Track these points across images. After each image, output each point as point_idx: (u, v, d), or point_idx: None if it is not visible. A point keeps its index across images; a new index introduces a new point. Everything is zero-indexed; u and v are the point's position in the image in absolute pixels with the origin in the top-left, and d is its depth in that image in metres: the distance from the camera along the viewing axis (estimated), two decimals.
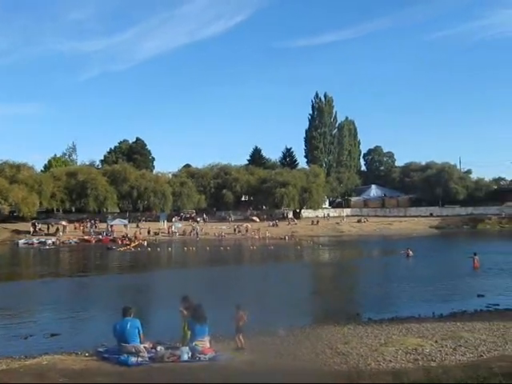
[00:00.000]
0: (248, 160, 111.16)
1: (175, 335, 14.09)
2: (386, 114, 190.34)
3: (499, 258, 41.80)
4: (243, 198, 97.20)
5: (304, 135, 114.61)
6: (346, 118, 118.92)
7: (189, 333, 12.34)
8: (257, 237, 71.00)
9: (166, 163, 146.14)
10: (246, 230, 74.75)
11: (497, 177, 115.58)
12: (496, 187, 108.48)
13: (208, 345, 12.13)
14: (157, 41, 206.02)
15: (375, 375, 8.13)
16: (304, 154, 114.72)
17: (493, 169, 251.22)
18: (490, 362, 10.26)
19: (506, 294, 25.09)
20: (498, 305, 21.99)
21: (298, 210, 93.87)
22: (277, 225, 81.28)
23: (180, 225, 76.88)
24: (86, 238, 66.17)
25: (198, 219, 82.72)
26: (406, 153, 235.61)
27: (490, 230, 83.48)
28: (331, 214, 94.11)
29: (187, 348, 11.79)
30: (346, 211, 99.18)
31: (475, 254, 35.39)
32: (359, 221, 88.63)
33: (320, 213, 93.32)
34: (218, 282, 31.33)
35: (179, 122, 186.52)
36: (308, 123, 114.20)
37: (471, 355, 12.52)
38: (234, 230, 75.21)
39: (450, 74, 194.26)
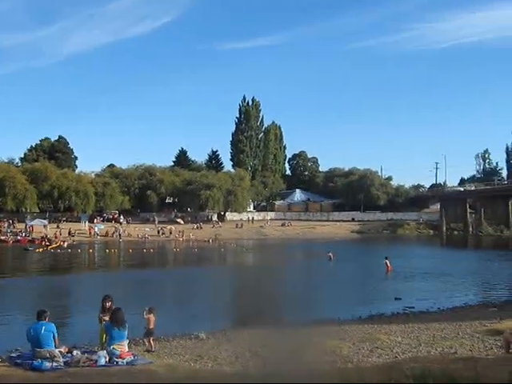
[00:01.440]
0: (173, 161, 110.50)
1: (94, 339, 13.81)
2: (311, 120, 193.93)
3: (417, 262, 43.40)
4: (168, 200, 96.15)
5: (230, 138, 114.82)
6: (273, 122, 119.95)
7: (106, 337, 12.11)
8: (181, 239, 70.49)
9: (89, 163, 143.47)
10: (170, 232, 74.05)
11: (416, 184, 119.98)
12: (415, 194, 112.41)
13: (126, 349, 11.91)
14: (82, 37, 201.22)
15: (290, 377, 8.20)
16: (230, 157, 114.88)
17: (412, 176, 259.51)
18: (403, 363, 10.57)
19: (422, 297, 25.96)
20: (413, 307, 22.73)
21: (222, 213, 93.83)
22: (201, 227, 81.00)
23: (102, 226, 75.28)
24: (2, 238, 63.62)
25: (121, 220, 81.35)
26: (330, 158, 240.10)
27: (409, 235, 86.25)
28: (255, 218, 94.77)
29: (104, 352, 11.53)
30: (270, 215, 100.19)
31: (386, 258, 36.67)
32: (283, 224, 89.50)
33: (244, 216, 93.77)
34: (140, 285, 30.92)
35: (103, 120, 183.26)
36: (235, 126, 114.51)
37: (387, 357, 12.86)
38: (158, 231, 74.27)
39: (371, 83, 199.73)
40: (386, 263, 36.23)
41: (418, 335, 15.80)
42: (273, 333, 16.77)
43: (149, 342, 14.29)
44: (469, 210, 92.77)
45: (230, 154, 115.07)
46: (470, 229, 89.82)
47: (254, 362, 12.46)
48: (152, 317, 14.22)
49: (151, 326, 14.18)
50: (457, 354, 12.28)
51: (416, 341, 14.82)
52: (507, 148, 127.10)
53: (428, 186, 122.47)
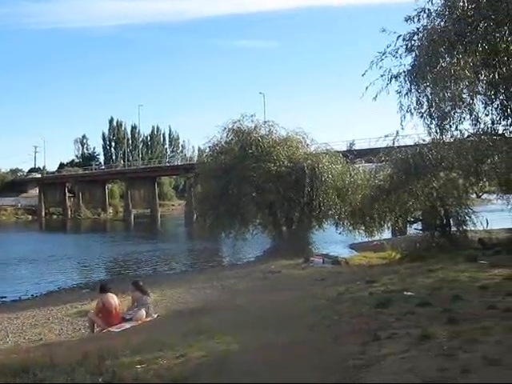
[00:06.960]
0: None
1: None
2: None
3: (12, 248, 42.59)
4: None
5: None
6: None
7: None
8: None
9: None
10: None
11: (14, 168, 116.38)
12: (13, 178, 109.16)
13: None
14: None
15: None
16: None
17: (10, 159, 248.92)
18: None
19: (16, 285, 25.14)
20: (5, 297, 21.92)
21: None
22: None
23: None
24: None
25: None
26: None
27: (6, 221, 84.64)
28: None
29: None
30: None
31: None
32: None
33: None
34: None
35: None
36: None
37: None
38: None
39: None
40: None
41: (7, 326, 15.21)
42: None
43: None
44: (68, 194, 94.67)
45: None
46: (69, 212, 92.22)
47: None
48: None
49: None
50: (43, 341, 12.28)
51: (4, 332, 14.30)
52: (103, 134, 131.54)
53: (27, 171, 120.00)
